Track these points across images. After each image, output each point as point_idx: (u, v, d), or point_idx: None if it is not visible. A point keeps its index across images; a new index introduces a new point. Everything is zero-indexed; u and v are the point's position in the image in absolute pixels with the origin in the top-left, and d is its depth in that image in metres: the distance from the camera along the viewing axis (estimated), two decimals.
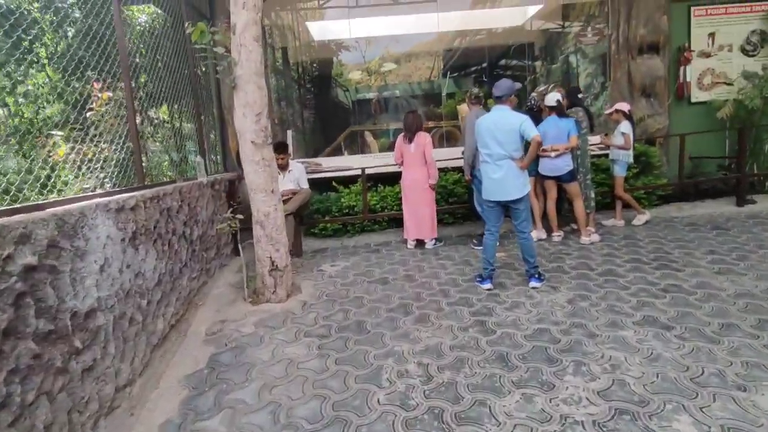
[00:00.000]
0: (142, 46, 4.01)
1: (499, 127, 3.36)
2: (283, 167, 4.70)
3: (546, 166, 4.53)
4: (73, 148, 3.28)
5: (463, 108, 7.26)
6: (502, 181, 3.40)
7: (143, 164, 3.54)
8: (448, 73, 8.55)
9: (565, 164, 4.49)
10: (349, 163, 6.05)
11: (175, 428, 2.16)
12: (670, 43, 5.91)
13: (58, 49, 3.89)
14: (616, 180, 4.97)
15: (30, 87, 3.95)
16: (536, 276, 3.53)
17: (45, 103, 4.08)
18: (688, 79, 5.99)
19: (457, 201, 5.54)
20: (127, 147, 3.30)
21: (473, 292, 3.56)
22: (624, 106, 4.91)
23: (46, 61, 4.09)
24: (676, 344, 2.54)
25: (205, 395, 2.42)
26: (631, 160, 4.90)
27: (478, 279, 3.69)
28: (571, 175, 4.52)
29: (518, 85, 3.54)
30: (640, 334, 2.68)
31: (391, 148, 6.68)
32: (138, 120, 4.22)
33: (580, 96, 4.86)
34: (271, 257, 3.59)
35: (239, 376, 2.57)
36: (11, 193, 2.48)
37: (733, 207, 5.53)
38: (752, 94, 5.59)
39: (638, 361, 2.39)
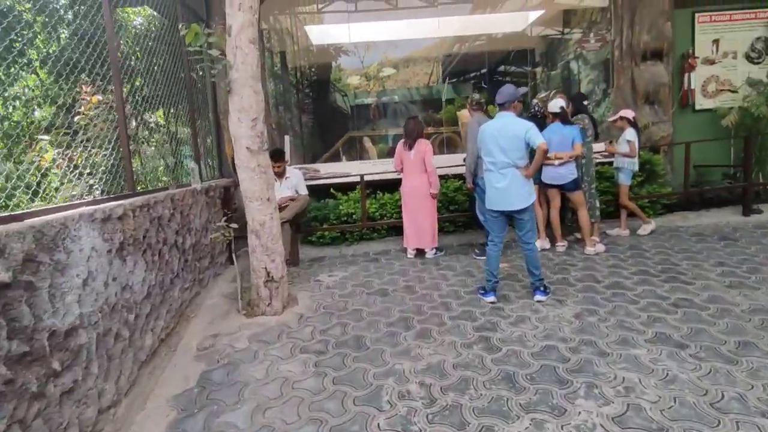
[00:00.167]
0: (134, 48, 3.88)
1: (503, 134, 3.24)
2: (280, 174, 4.57)
3: (549, 175, 4.42)
4: (60, 154, 3.15)
5: (464, 114, 7.17)
6: (507, 190, 3.28)
7: (134, 171, 3.42)
8: (447, 78, 8.46)
9: (568, 173, 4.38)
10: (347, 170, 5.93)
11: None
12: (673, 50, 5.83)
13: (47, 51, 3.77)
14: (621, 188, 4.87)
15: (18, 89, 3.83)
16: (541, 289, 3.41)
17: (35, 106, 3.96)
18: (692, 87, 5.90)
19: (458, 209, 5.42)
20: (117, 152, 3.16)
21: (476, 305, 3.43)
22: (629, 114, 4.81)
23: (37, 63, 3.97)
24: (692, 364, 2.41)
25: (194, 418, 2.27)
26: (637, 168, 4.80)
27: (481, 291, 3.56)
28: (575, 184, 4.41)
29: (522, 89, 3.43)
30: (654, 353, 2.55)
31: (390, 154, 6.58)
32: (133, 124, 4.12)
33: (585, 103, 4.75)
34: (266, 268, 3.46)
35: (231, 397, 2.43)
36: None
37: (739, 217, 5.43)
38: (758, 101, 5.51)
39: (653, 384, 2.26)
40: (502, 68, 8.85)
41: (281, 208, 4.47)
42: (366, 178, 5.22)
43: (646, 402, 2.12)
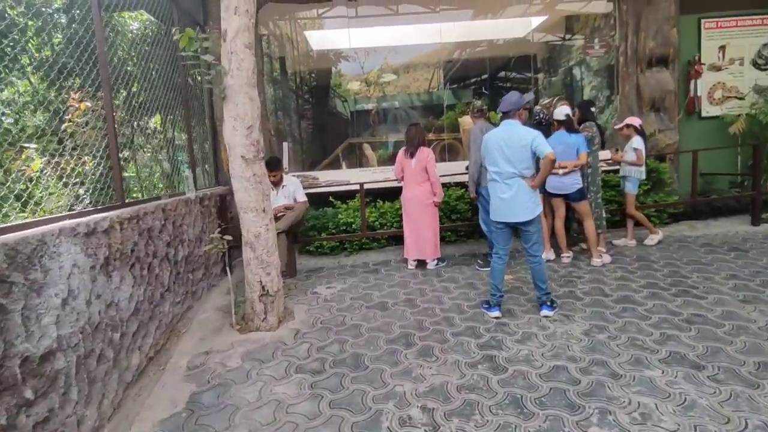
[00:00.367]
0: (128, 53, 3.77)
1: (508, 143, 3.11)
2: (276, 183, 4.44)
3: (553, 184, 4.29)
4: (47, 162, 3.02)
5: (465, 120, 7.05)
6: (512, 201, 3.15)
7: (127, 179, 3.30)
8: (448, 84, 8.37)
9: (573, 182, 4.25)
10: (346, 177, 5.80)
11: None
12: (679, 57, 5.73)
13: (36, 55, 3.66)
14: (628, 198, 4.74)
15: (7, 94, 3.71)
16: (548, 303, 3.26)
17: (26, 113, 3.85)
18: (698, 94, 5.79)
19: (460, 218, 5.29)
20: (107, 161, 3.04)
21: (480, 321, 3.29)
22: (635, 121, 4.69)
23: (29, 69, 3.86)
24: (711, 388, 2.27)
25: None
26: (644, 176, 4.68)
27: (485, 306, 3.42)
28: (581, 194, 4.28)
29: (528, 96, 3.31)
30: (669, 375, 2.41)
31: (390, 161, 6.46)
32: (125, 131, 4.00)
33: (593, 110, 4.62)
34: (261, 281, 3.32)
35: (221, 422, 2.28)
36: None
37: (748, 226, 5.29)
38: (765, 108, 5.41)
39: (671, 410, 2.12)
40: (503, 74, 8.77)
41: (277, 218, 4.34)
42: (366, 186, 5.09)
43: (664, 431, 1.98)
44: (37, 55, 3.90)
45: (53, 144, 2.92)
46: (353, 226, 5.18)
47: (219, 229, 3.57)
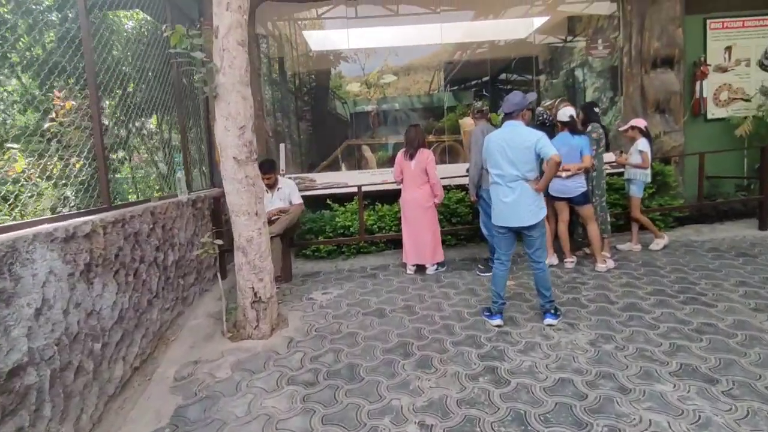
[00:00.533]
0: (114, 50, 3.65)
1: (511, 145, 2.99)
2: (271, 186, 4.32)
3: (556, 187, 4.16)
4: (30, 164, 2.90)
5: (466, 122, 6.94)
6: (515, 205, 3.02)
7: (117, 182, 3.18)
8: (448, 86, 8.26)
9: (577, 185, 4.12)
10: (344, 179, 5.68)
11: None
12: (684, 57, 5.61)
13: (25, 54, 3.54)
14: (632, 201, 4.61)
15: None
16: (552, 312, 3.13)
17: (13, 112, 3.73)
18: (704, 95, 5.67)
19: (461, 221, 5.16)
20: (92, 162, 2.92)
21: (481, 329, 3.16)
22: (640, 123, 4.57)
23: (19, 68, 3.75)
24: (726, 404, 2.14)
25: None
26: (649, 179, 4.55)
27: (486, 313, 3.29)
28: (585, 198, 4.15)
29: (531, 96, 3.17)
30: (681, 390, 2.28)
31: (390, 162, 6.34)
32: (116, 132, 3.87)
33: (596, 110, 4.50)
34: (253, 287, 3.19)
35: None
36: None
37: (755, 231, 5.16)
38: None
39: (684, 429, 1.99)
40: (503, 77, 8.66)
41: (271, 222, 4.22)
42: (364, 188, 4.97)
43: None
44: (26, 54, 3.80)
45: (36, 144, 2.80)
46: (351, 229, 5.05)
47: (209, 233, 3.43)
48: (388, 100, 8.33)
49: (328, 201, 5.29)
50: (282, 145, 5.70)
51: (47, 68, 2.99)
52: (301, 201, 4.47)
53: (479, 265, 4.45)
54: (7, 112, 3.42)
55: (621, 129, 4.74)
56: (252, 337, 3.22)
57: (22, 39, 3.61)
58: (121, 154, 4.21)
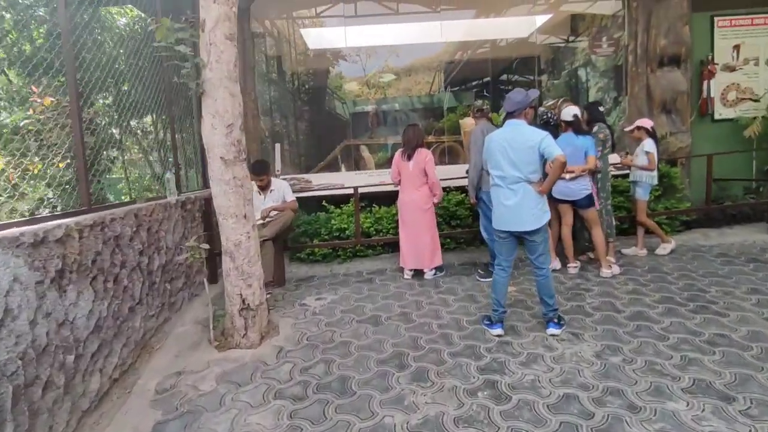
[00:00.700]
0: (98, 44, 3.50)
1: (513, 145, 2.83)
2: (264, 188, 4.16)
3: (559, 190, 4.00)
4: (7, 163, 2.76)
5: (467, 122, 6.79)
6: (517, 208, 2.87)
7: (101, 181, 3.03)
8: (449, 86, 8.11)
9: (581, 188, 3.97)
10: (341, 181, 5.53)
11: None
12: (691, 56, 5.45)
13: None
14: (638, 204, 4.45)
15: None
16: (555, 321, 2.98)
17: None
18: (711, 95, 5.51)
19: (460, 224, 5.01)
20: (72, 162, 2.77)
21: (480, 338, 3.00)
22: (646, 123, 4.41)
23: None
24: (745, 426, 1.98)
25: None
26: (656, 182, 4.39)
27: (486, 322, 3.13)
28: (589, 200, 3.99)
29: (533, 92, 3.00)
30: (695, 409, 2.12)
31: (388, 163, 6.19)
32: (105, 130, 3.72)
33: (601, 109, 4.34)
34: (241, 294, 3.04)
35: None
36: None
37: (765, 235, 5.00)
38: None
39: None
40: (505, 77, 8.52)
41: (264, 225, 4.07)
42: (361, 190, 4.82)
43: None
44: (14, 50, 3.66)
45: (13, 143, 2.65)
46: (347, 232, 4.90)
47: (196, 236, 3.28)
48: (388, 101, 8.19)
49: (324, 203, 5.13)
50: (277, 145, 5.55)
51: (30, 64, 2.85)
52: (294, 198, 4.31)
53: (479, 270, 4.30)
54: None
55: (626, 129, 4.58)
56: (240, 346, 3.07)
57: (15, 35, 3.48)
58: (108, 153, 4.08)
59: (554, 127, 4.08)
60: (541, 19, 7.10)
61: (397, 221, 4.58)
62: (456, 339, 3.02)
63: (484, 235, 4.23)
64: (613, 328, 3.00)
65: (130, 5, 5.07)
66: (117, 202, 3.33)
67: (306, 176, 5.78)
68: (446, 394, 2.38)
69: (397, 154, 4.34)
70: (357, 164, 7.31)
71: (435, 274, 4.34)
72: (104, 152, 3.82)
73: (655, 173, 4.32)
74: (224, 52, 2.84)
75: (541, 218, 2.86)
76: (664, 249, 4.53)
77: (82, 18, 2.88)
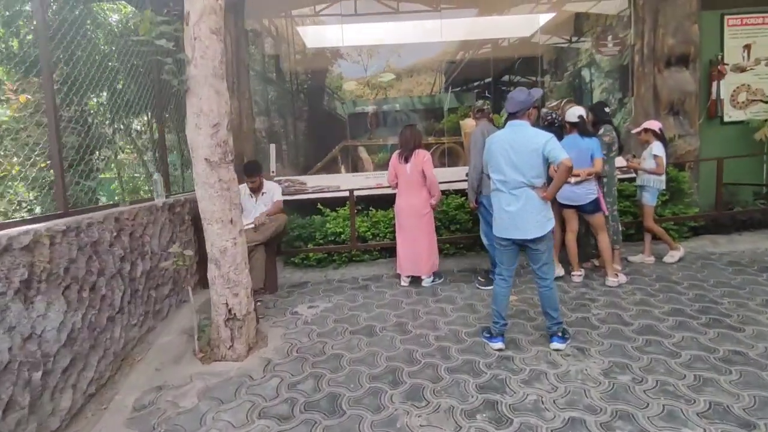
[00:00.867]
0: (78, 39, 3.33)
1: (516, 148, 2.66)
2: (256, 190, 4.00)
3: (565, 194, 3.82)
4: None
5: (467, 123, 6.64)
6: (519, 215, 2.70)
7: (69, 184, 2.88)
8: (450, 87, 7.94)
9: (587, 192, 3.80)
10: (337, 183, 5.36)
11: None
12: (700, 56, 5.27)
13: None
14: (645, 209, 4.28)
15: None
16: (559, 335, 2.81)
17: None
18: (721, 96, 5.33)
19: (460, 229, 4.84)
20: (47, 163, 2.62)
21: (480, 352, 2.83)
22: (654, 125, 4.24)
23: None
24: None
25: None
26: (663, 186, 4.22)
27: (486, 335, 2.96)
28: (595, 206, 3.82)
29: (537, 92, 2.82)
30: None
31: (387, 165, 6.03)
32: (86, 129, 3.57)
33: (607, 110, 4.16)
34: (227, 303, 2.88)
35: None
36: None
37: None
38: None
39: None
40: (507, 78, 8.35)
41: (255, 229, 3.91)
42: (357, 192, 4.66)
43: None
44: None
45: None
46: (342, 236, 4.73)
47: (179, 242, 3.12)
48: (389, 101, 8.03)
49: (319, 205, 4.97)
50: (272, 146, 5.39)
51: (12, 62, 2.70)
52: (280, 199, 4.11)
53: (479, 278, 4.13)
54: None
55: (634, 131, 4.41)
56: (226, 358, 2.91)
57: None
58: (97, 154, 3.93)
59: (558, 129, 3.91)
60: (543, 18, 6.94)
61: (394, 225, 4.41)
62: (454, 353, 2.86)
63: (485, 240, 4.06)
64: (621, 343, 2.83)
65: (122, 1, 4.93)
66: (97, 205, 3.16)
67: (301, 178, 5.62)
68: (442, 416, 2.21)
69: (394, 156, 4.17)
70: (355, 166, 7.14)
71: (433, 281, 4.17)
72: (91, 152, 3.67)
73: (663, 177, 4.15)
74: (209, 47, 2.67)
75: (545, 226, 2.69)
76: (672, 257, 4.35)
77: (60, 13, 2.72)
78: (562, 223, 4.05)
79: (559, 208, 3.95)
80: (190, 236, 4.09)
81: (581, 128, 3.81)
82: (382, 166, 6.78)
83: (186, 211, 4.12)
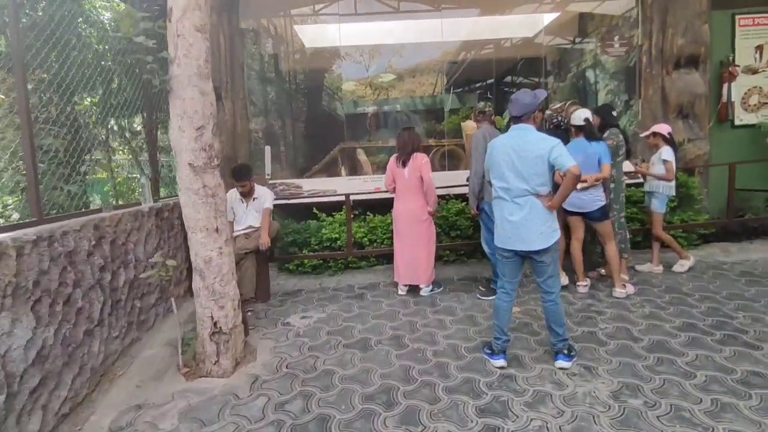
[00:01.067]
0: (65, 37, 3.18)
1: (520, 153, 2.49)
2: (246, 195, 3.84)
3: (571, 201, 3.63)
4: None
5: (468, 125, 6.47)
6: (523, 224, 2.53)
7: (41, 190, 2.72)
8: (452, 88, 7.78)
9: (594, 199, 3.63)
10: (333, 186, 5.20)
11: None
12: (711, 57, 5.09)
13: None
14: (654, 217, 4.10)
15: None
16: (565, 352, 2.63)
17: None
18: (731, 99, 5.15)
19: (460, 235, 4.67)
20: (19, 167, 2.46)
21: (480, 370, 2.66)
22: (663, 129, 4.07)
23: None
24: None
25: None
26: (673, 192, 4.04)
27: (487, 351, 2.79)
28: (603, 213, 3.65)
29: (542, 94, 2.66)
30: None
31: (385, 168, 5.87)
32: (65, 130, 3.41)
33: (614, 113, 3.99)
34: (212, 316, 2.72)
35: None
36: None
37: None
38: None
39: None
40: (509, 79, 8.18)
41: (247, 236, 3.75)
42: (354, 197, 4.49)
43: None
44: None
45: None
46: (338, 242, 4.57)
47: (159, 252, 2.96)
48: (390, 102, 7.86)
49: (315, 210, 4.81)
50: (267, 148, 5.24)
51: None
52: (270, 206, 3.93)
53: (480, 287, 3.96)
54: None
55: (642, 135, 4.23)
56: (211, 374, 2.75)
57: None
58: (82, 157, 3.77)
59: (564, 132, 3.74)
60: (547, 18, 6.77)
61: (392, 231, 4.25)
62: (453, 370, 2.69)
63: (486, 248, 3.89)
64: (630, 361, 2.66)
65: None
66: (80, 211, 3.00)
67: (296, 181, 5.45)
68: None
69: (392, 159, 4.01)
70: (354, 168, 6.98)
71: (432, 290, 4.00)
72: (74, 155, 3.51)
73: (673, 183, 3.98)
74: (193, 45, 2.52)
75: (550, 237, 2.51)
76: (681, 266, 4.17)
77: (35, 10, 2.57)
78: (566, 230, 3.88)
79: (564, 215, 3.79)
80: (180, 242, 3.93)
81: (588, 132, 3.64)
82: (382, 168, 6.61)
83: (175, 216, 3.96)
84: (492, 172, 2.67)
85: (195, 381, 2.72)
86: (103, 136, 4.07)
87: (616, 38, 5.65)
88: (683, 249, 4.31)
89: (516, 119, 2.61)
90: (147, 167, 4.15)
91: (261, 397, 2.50)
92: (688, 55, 4.97)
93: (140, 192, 3.57)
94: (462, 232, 4.65)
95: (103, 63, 3.49)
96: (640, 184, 4.48)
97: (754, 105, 5.30)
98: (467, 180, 3.86)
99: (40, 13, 2.52)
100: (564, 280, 3.96)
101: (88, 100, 3.88)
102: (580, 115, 3.66)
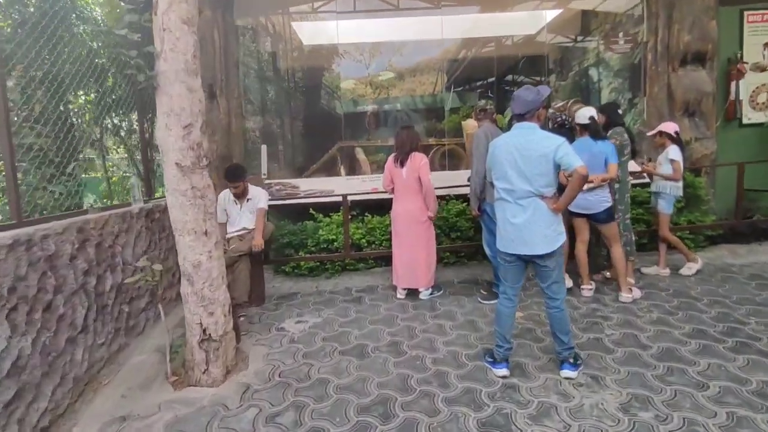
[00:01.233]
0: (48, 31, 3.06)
1: (524, 153, 2.37)
2: (240, 196, 3.72)
3: (576, 202, 3.47)
4: None
5: (469, 124, 6.35)
6: (526, 227, 2.40)
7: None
8: (453, 86, 7.65)
9: (600, 200, 3.50)
10: (331, 186, 5.08)
11: None
12: (718, 54, 4.96)
13: None
14: (661, 218, 3.98)
15: None
16: (570, 361, 2.51)
17: None
18: (739, 97, 5.02)
19: (461, 237, 4.55)
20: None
21: (482, 379, 2.55)
22: (670, 128, 3.94)
23: None
24: None
25: None
26: (681, 193, 3.92)
27: (488, 359, 2.67)
28: (608, 214, 3.53)
29: (546, 90, 2.53)
30: None
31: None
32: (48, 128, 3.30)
33: (619, 112, 3.86)
34: (201, 323, 2.60)
35: None
36: None
37: None
38: None
39: None
40: (510, 77, 8.05)
41: (241, 238, 3.63)
42: (351, 197, 4.37)
43: None
44: None
45: None
46: (336, 243, 4.45)
47: (145, 256, 2.85)
48: (390, 100, 7.74)
49: (312, 211, 4.69)
50: (263, 147, 5.12)
51: None
52: (264, 207, 3.80)
53: (481, 290, 3.84)
54: None
55: (649, 134, 4.10)
56: (200, 383, 2.63)
57: None
58: (70, 156, 3.66)
59: (569, 131, 3.62)
60: (549, 15, 6.64)
61: (390, 232, 4.13)
62: (453, 379, 2.57)
63: (487, 250, 3.77)
64: (639, 371, 2.53)
65: None
66: (65, 212, 2.89)
67: (293, 182, 5.33)
68: None
69: (390, 159, 3.90)
70: (353, 168, 6.85)
71: (431, 293, 3.88)
72: (61, 154, 3.40)
73: (680, 184, 3.85)
74: (180, 39, 2.40)
75: (555, 241, 2.39)
76: (689, 269, 4.05)
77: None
78: (571, 231, 3.76)
79: (569, 216, 3.66)
80: (171, 244, 3.81)
81: (593, 130, 3.52)
82: (381, 167, 6.49)
83: (167, 217, 3.81)
84: (494, 172, 2.54)
85: (183, 390, 2.61)
86: (96, 135, 3.96)
87: (621, 35, 5.52)
88: (691, 251, 4.19)
89: (519, 117, 2.48)
90: (138, 166, 4.05)
91: (252, 409, 2.39)
92: (694, 52, 4.85)
93: (131, 192, 3.45)
94: (463, 233, 4.53)
95: (89, 56, 3.38)
96: (646, 185, 4.36)
97: (763, 103, 5.17)
98: (468, 180, 3.74)
99: (17, 6, 2.40)
100: (568, 282, 3.83)
101: (83, 98, 3.77)
102: (585, 113, 3.53)
